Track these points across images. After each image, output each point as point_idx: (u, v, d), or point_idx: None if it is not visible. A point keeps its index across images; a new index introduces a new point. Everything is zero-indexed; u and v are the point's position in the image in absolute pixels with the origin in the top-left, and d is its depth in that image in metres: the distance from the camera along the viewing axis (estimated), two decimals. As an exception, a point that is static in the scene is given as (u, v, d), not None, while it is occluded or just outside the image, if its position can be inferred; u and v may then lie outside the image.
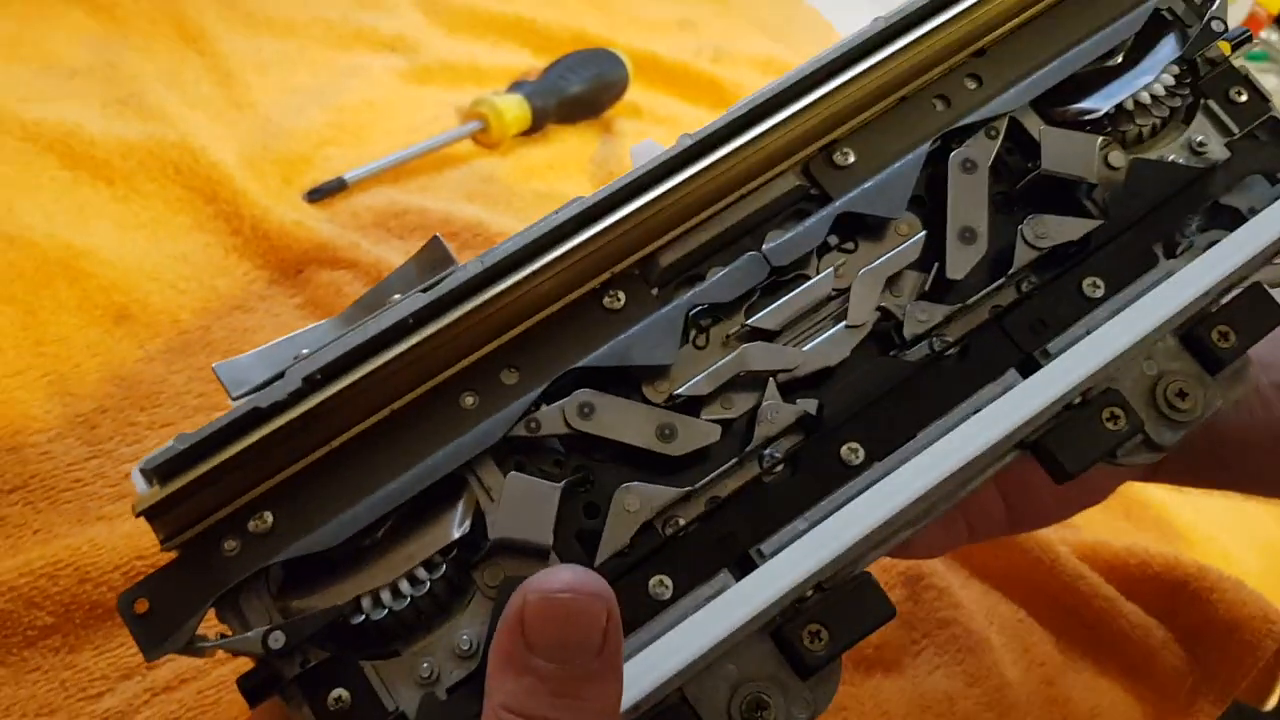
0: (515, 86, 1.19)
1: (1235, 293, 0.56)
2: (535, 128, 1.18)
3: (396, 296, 0.50)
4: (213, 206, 0.95)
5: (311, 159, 1.05)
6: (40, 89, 1.02)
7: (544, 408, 0.50)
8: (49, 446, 0.76)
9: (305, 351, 0.49)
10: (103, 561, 0.69)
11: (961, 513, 0.66)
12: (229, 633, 0.47)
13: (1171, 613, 0.88)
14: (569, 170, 1.18)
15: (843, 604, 0.48)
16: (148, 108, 1.02)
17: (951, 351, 0.53)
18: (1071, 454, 0.52)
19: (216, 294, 0.89)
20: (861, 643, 0.49)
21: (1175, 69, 0.59)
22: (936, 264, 0.54)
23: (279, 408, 0.47)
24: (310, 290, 0.92)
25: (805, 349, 0.52)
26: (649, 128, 1.26)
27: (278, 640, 0.45)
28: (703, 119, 1.25)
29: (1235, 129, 0.58)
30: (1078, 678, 0.86)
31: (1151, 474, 0.69)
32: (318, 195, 1.01)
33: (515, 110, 1.15)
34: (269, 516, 0.47)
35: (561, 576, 0.41)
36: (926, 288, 0.54)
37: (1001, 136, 0.56)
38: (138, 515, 0.46)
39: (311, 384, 0.48)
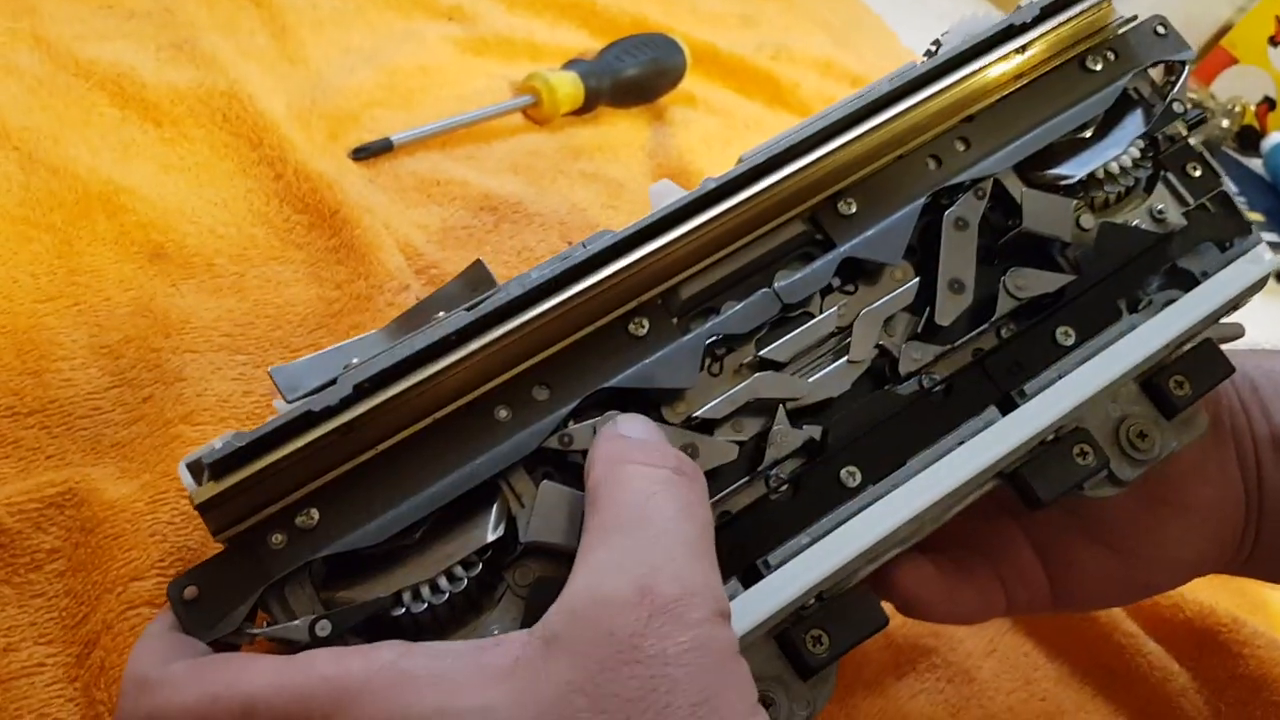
0: (570, 65, 1.12)
1: (1189, 346, 0.58)
2: (587, 108, 1.11)
3: (441, 314, 0.50)
4: (257, 153, 0.91)
5: (359, 118, 1.01)
6: (98, 28, 0.97)
7: (574, 424, 0.50)
8: (71, 374, 0.72)
9: (355, 361, 0.49)
10: (110, 494, 0.66)
11: (1001, 582, 0.64)
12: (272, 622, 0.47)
13: (1197, 661, 0.81)
14: (618, 153, 1.10)
15: (841, 612, 0.50)
16: (201, 55, 0.97)
17: (938, 389, 0.55)
18: (1044, 484, 0.54)
19: (254, 243, 0.86)
20: (843, 661, 0.50)
21: (1140, 143, 0.60)
22: (928, 309, 0.55)
23: (330, 412, 0.47)
24: (345, 234, 0.87)
25: (810, 380, 0.53)
26: (702, 117, 1.19)
27: (325, 629, 0.45)
28: (758, 114, 1.23)
29: (1190, 200, 0.60)
30: (1085, 717, 0.80)
31: (1240, 570, 0.66)
32: (363, 154, 0.97)
33: (568, 87, 1.07)
34: (315, 514, 0.47)
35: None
36: (919, 330, 0.55)
37: (987, 197, 0.57)
38: (195, 507, 0.46)
39: (360, 391, 0.47)
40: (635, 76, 1.13)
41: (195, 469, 0.47)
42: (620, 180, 1.05)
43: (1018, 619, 0.82)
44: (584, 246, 0.52)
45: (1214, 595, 0.84)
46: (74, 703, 0.60)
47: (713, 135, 1.16)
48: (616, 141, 1.11)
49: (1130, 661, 0.80)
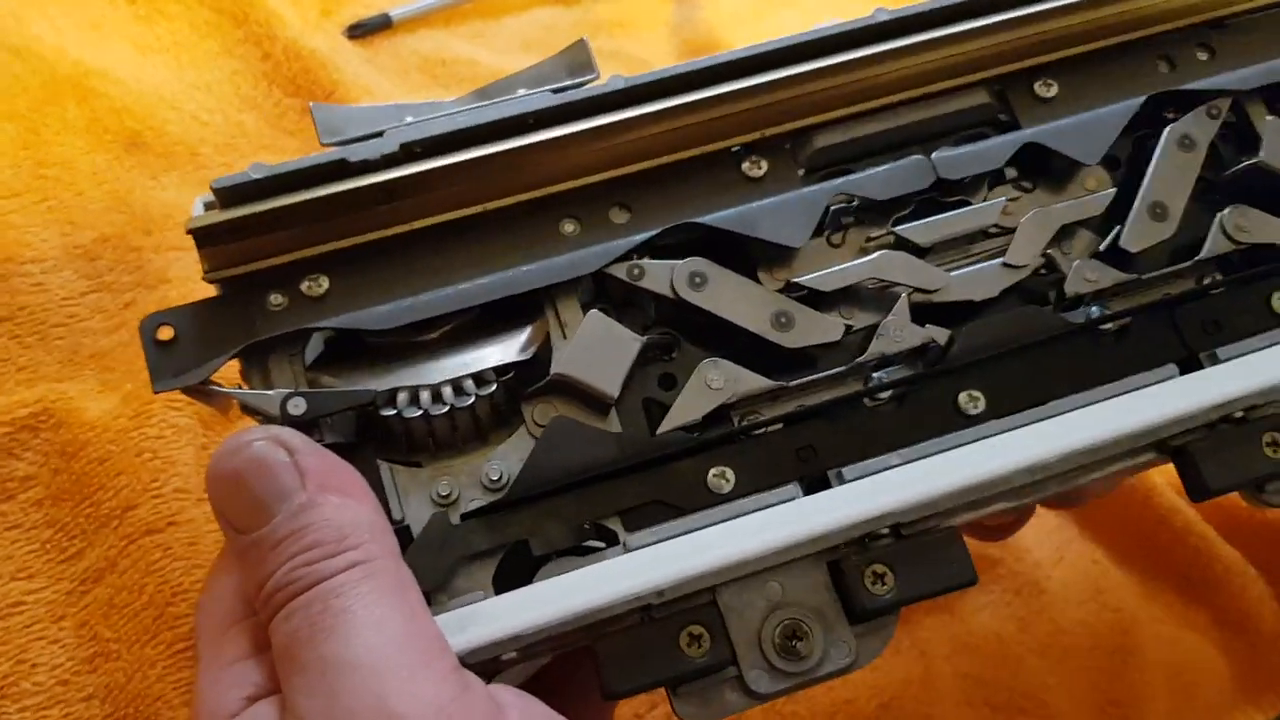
0: (590, -69, 0.98)
1: None
2: (606, -22, 0.98)
3: (523, 91, 0.40)
4: (242, 30, 0.82)
5: (355, -9, 0.91)
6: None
7: (651, 259, 0.40)
8: (43, 278, 0.65)
9: (410, 119, 0.40)
10: (90, 412, 0.60)
11: None
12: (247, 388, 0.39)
13: (1277, 564, 0.71)
14: (639, 30, 0.98)
15: (920, 554, 0.38)
16: (175, -81, 0.87)
17: (1109, 326, 0.42)
18: (1216, 470, 0.41)
19: (243, 130, 0.77)
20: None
21: None
22: (1117, 229, 0.43)
23: (368, 167, 0.39)
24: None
25: (952, 275, 0.42)
26: (732, -7, 1.06)
27: (298, 407, 0.37)
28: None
29: None
30: (1158, 629, 0.70)
31: None
32: (359, 31, 0.86)
33: (586, -46, 0.95)
34: (325, 281, 0.39)
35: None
36: (1100, 250, 0.43)
37: (1222, 117, 0.45)
38: (188, 232, 0.38)
39: (409, 154, 0.39)
40: (659, -57, 0.98)
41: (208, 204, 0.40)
42: (643, 59, 0.93)
43: (1084, 525, 0.74)
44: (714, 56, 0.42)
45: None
46: (59, 644, 0.55)
47: (743, 11, 1.00)
48: (638, 16, 0.99)
49: (1206, 568, 0.71)
